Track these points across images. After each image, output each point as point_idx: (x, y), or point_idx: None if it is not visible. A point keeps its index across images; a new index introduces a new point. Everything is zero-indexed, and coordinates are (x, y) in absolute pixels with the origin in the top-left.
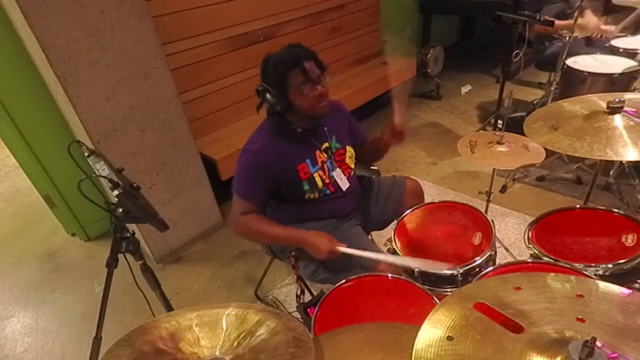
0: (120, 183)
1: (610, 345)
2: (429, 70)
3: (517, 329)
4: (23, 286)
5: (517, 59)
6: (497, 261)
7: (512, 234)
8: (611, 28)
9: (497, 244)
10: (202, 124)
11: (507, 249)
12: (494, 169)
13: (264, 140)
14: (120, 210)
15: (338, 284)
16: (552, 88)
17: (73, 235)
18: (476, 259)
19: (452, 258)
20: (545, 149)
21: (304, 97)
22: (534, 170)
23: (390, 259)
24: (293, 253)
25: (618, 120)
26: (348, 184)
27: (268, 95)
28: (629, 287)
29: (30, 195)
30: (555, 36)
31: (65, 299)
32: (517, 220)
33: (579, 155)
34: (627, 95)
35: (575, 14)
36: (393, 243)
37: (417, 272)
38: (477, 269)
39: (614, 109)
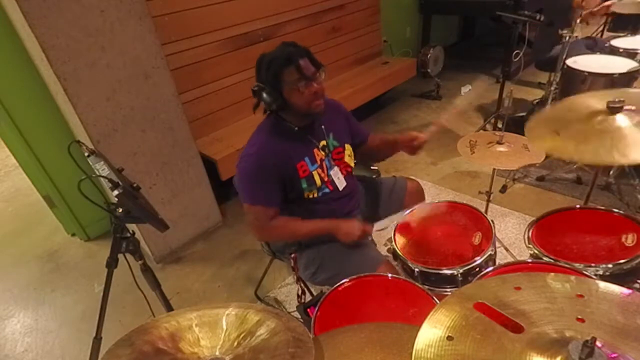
0: (120, 183)
1: (610, 345)
2: (429, 70)
3: (517, 329)
4: (23, 286)
5: (517, 59)
6: (497, 261)
7: (512, 234)
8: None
9: (497, 244)
10: (202, 124)
11: (507, 249)
12: (494, 169)
13: (262, 141)
14: (120, 210)
15: (338, 284)
16: (552, 88)
17: (73, 235)
18: (476, 259)
19: (452, 258)
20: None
21: (300, 94)
22: (534, 170)
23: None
24: (292, 255)
25: (620, 120)
26: (345, 183)
27: (264, 94)
28: (629, 287)
29: (30, 195)
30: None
31: (65, 299)
32: (517, 220)
33: (586, 162)
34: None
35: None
36: (393, 243)
37: (417, 272)
38: (477, 269)
39: (614, 109)
